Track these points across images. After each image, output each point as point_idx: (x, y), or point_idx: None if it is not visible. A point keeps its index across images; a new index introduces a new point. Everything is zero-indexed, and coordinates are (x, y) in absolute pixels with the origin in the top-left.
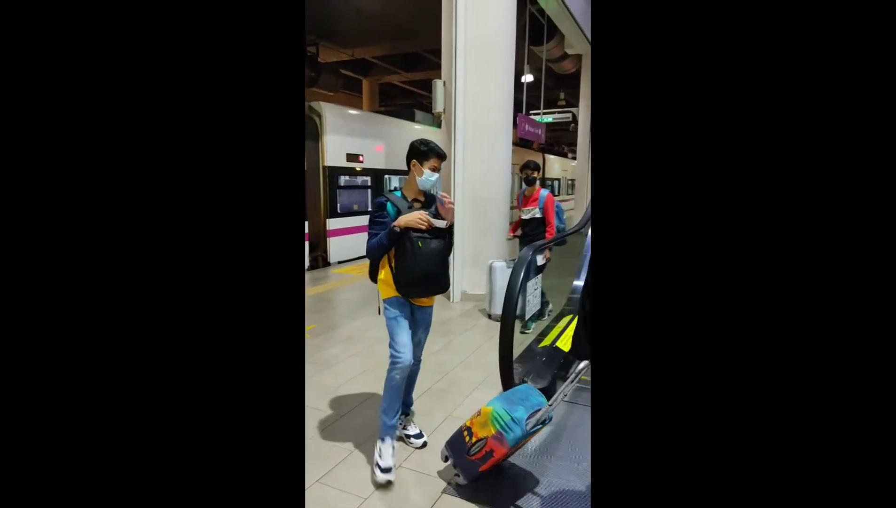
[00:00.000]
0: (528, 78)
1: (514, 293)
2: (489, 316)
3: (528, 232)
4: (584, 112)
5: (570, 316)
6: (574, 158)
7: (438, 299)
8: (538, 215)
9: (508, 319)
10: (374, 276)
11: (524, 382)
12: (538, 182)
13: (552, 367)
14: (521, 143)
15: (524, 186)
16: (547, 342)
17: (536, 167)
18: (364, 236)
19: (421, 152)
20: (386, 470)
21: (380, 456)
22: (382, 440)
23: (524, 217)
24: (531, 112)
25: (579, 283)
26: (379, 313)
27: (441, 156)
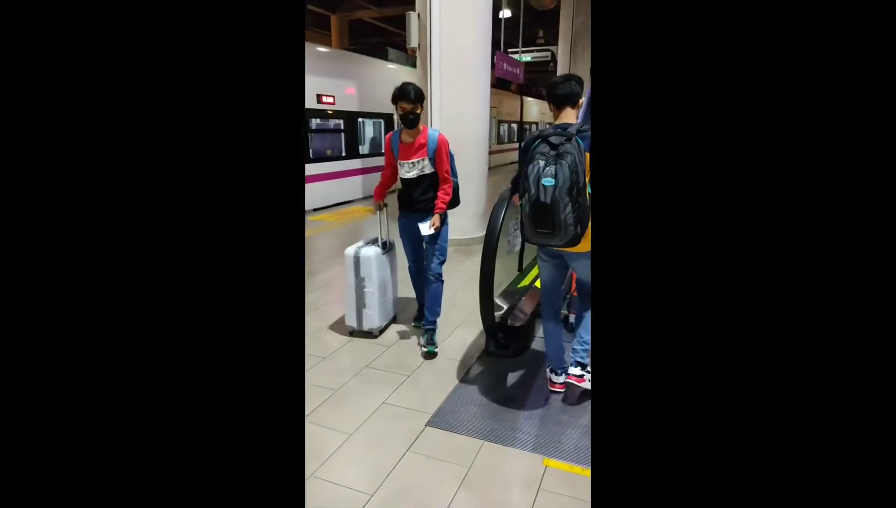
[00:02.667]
0: (505, 13)
1: (494, 234)
2: (351, 332)
3: (413, 198)
4: (562, 51)
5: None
6: None
7: None
8: (427, 171)
9: (489, 262)
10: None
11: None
12: (419, 120)
13: (532, 302)
14: (498, 84)
15: (398, 126)
16: (525, 283)
17: (419, 98)
18: (340, 181)
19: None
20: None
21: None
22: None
23: (405, 175)
24: (509, 50)
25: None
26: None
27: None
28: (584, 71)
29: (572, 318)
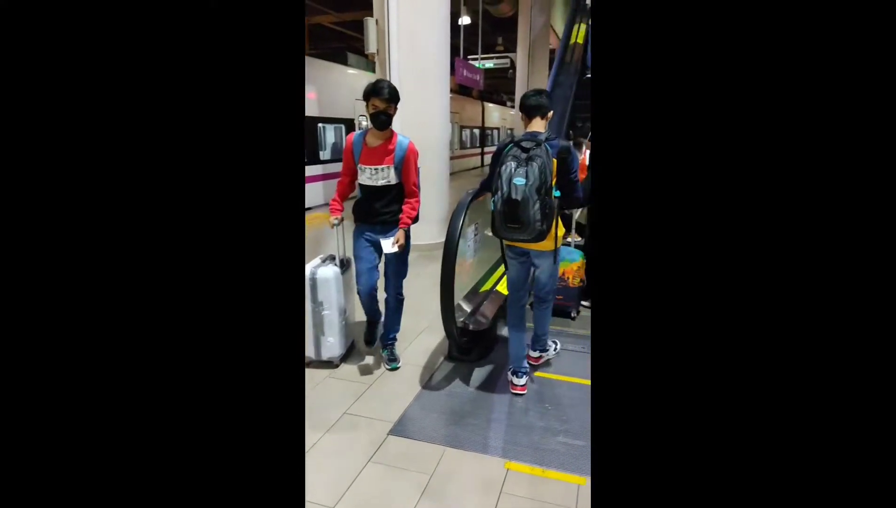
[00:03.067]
0: (465, 20)
1: (453, 240)
2: (308, 363)
3: (374, 209)
4: (521, 57)
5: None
6: (512, 107)
7: None
8: (393, 181)
9: (448, 267)
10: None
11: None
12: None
13: (493, 306)
14: (459, 90)
15: (364, 125)
16: (486, 287)
17: (393, 97)
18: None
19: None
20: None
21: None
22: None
23: (366, 182)
24: (469, 57)
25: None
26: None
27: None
28: (542, 76)
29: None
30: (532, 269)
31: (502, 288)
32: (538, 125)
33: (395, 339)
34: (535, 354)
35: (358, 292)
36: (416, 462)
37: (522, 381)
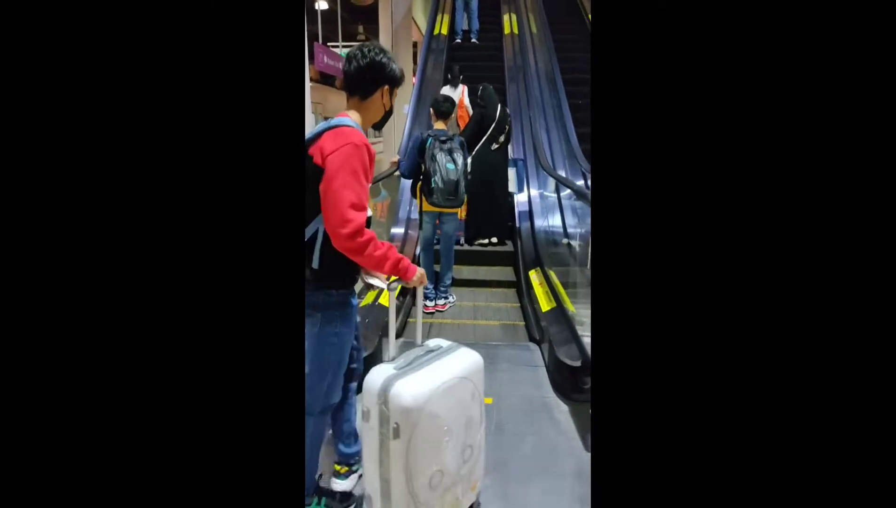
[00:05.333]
0: (322, 5)
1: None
2: None
3: None
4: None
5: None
6: None
7: None
8: None
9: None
10: None
11: None
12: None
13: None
14: (322, 80)
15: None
16: (366, 302)
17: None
18: None
19: None
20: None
21: None
22: None
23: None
24: (329, 44)
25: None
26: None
27: None
28: (406, 67)
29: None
30: (441, 227)
31: (384, 301)
32: (442, 125)
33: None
34: (442, 301)
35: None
36: None
37: (430, 303)
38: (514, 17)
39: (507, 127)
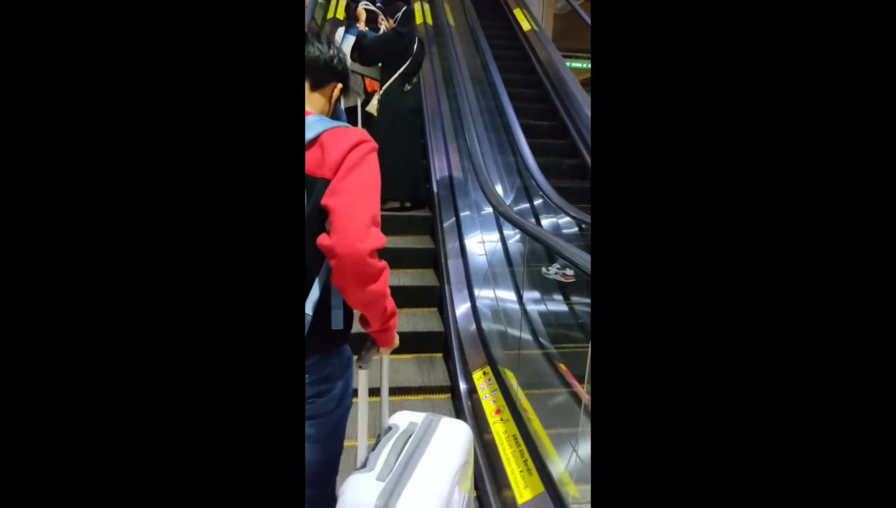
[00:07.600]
0: None
1: None
2: None
3: None
4: None
5: None
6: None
7: None
8: None
9: None
10: None
11: None
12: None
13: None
14: None
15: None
16: None
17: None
18: None
19: None
20: None
21: None
22: None
23: None
24: None
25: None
26: None
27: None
28: None
29: None
30: None
31: None
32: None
33: None
34: None
35: None
36: None
37: None
38: (426, 6)
39: (419, 68)
